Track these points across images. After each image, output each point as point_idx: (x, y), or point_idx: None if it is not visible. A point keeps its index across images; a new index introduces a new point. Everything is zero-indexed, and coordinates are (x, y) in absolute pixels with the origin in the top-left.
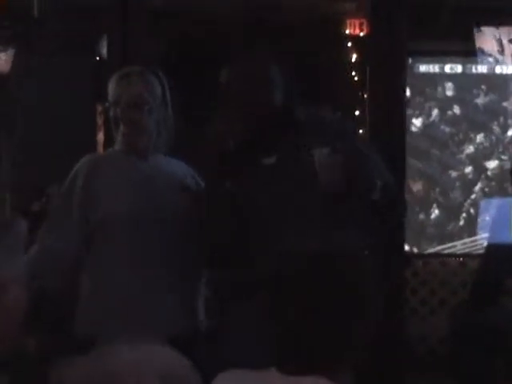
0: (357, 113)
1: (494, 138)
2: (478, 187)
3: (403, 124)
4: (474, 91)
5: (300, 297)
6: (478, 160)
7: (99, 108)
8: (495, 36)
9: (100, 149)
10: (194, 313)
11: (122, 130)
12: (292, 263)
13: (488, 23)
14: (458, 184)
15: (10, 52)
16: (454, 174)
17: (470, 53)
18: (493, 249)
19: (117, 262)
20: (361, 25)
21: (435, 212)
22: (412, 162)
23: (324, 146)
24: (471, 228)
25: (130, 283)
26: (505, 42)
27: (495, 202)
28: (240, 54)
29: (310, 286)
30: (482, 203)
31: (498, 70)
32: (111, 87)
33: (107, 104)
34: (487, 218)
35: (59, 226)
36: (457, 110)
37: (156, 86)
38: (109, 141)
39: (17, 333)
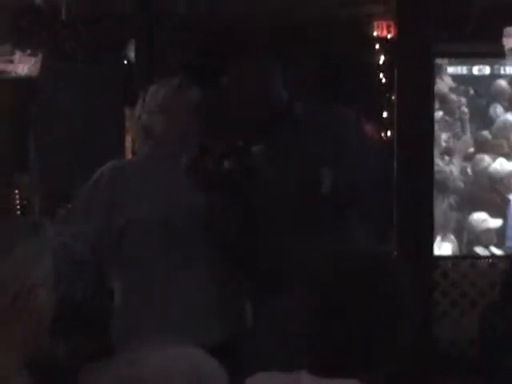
0: (384, 115)
1: None
2: None
3: (431, 125)
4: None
5: (335, 298)
6: None
7: (127, 112)
8: None
9: (128, 153)
10: (234, 315)
11: (158, 135)
12: (328, 265)
13: None
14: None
15: (40, 56)
16: None
17: (499, 54)
18: None
19: (150, 265)
20: (388, 27)
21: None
22: None
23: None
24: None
25: (165, 287)
26: None
27: None
28: (241, 56)
29: (346, 288)
30: None
31: None
32: (154, 94)
33: (141, 109)
34: None
35: (78, 229)
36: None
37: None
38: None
39: (44, 336)
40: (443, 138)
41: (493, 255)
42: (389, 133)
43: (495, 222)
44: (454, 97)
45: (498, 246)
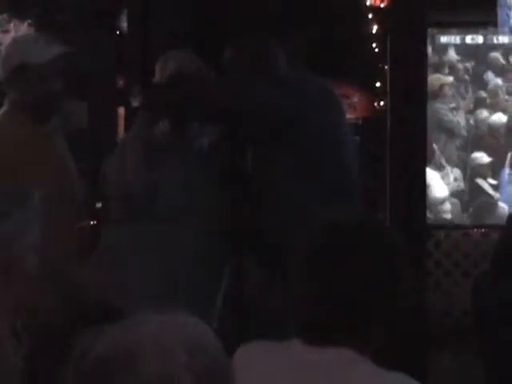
0: (377, 84)
1: None
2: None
3: (424, 95)
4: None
5: (327, 269)
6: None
7: (120, 82)
8: None
9: (121, 121)
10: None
11: None
12: (322, 237)
13: None
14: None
15: (29, 26)
16: None
17: (492, 23)
18: None
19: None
20: None
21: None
22: None
23: None
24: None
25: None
26: None
27: None
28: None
29: (339, 259)
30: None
31: None
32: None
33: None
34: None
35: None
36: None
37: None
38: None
39: (34, 302)
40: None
41: (485, 225)
42: (382, 102)
43: (490, 160)
44: (460, 65)
45: (493, 178)
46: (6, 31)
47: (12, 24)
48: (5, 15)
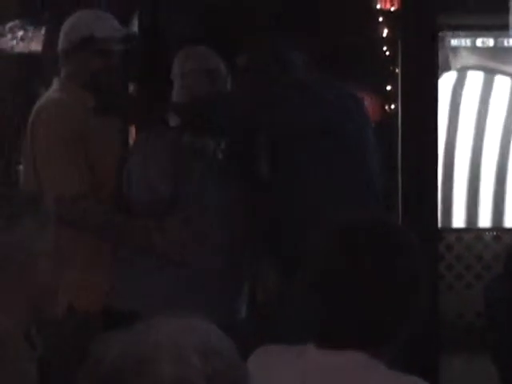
0: (388, 87)
1: None
2: None
3: (435, 97)
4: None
5: (340, 274)
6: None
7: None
8: None
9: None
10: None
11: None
12: (334, 239)
13: None
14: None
15: (43, 31)
16: None
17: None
18: None
19: None
20: (391, 0)
21: None
22: None
23: None
24: None
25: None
26: None
27: None
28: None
29: (353, 263)
30: None
31: None
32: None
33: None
34: None
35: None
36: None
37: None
38: None
39: (48, 303)
40: None
41: (497, 228)
42: (392, 106)
43: None
44: None
45: None
46: (22, 39)
47: (23, 32)
48: (17, 21)
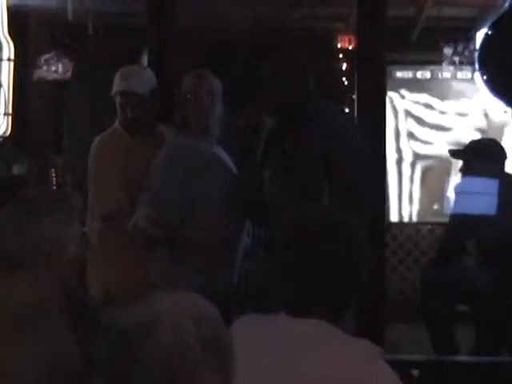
0: (347, 110)
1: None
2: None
3: (384, 117)
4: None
5: (297, 254)
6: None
7: None
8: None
9: None
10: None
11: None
12: (303, 227)
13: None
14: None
15: (70, 63)
16: None
17: (437, 62)
18: (455, 218)
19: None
20: (349, 40)
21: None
22: None
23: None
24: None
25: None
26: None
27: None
28: (276, 57)
29: (306, 247)
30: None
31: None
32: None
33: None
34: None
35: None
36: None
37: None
38: None
39: (75, 285)
40: None
41: (432, 223)
42: None
43: None
44: None
45: None
46: (57, 70)
47: (59, 63)
48: (52, 54)
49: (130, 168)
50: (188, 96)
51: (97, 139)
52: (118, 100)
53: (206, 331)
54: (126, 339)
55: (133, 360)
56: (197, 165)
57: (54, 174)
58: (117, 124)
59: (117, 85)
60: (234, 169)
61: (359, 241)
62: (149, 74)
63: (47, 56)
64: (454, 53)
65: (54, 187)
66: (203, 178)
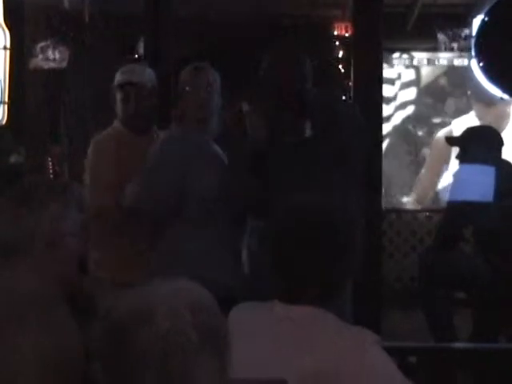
0: (343, 98)
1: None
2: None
3: (380, 103)
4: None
5: (288, 246)
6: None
7: None
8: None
9: None
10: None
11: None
12: (292, 216)
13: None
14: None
15: (67, 51)
16: None
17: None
18: (452, 205)
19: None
20: (346, 27)
21: None
22: None
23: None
24: None
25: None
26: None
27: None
28: (275, 49)
29: (297, 239)
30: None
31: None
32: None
33: (186, 88)
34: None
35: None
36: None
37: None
38: None
39: (73, 276)
40: None
41: (429, 209)
42: None
43: None
44: None
45: None
46: (54, 58)
47: (55, 51)
48: (48, 42)
49: (131, 167)
50: (186, 88)
51: (94, 141)
52: (119, 95)
53: (202, 319)
54: (123, 327)
55: (129, 347)
56: (192, 155)
57: (50, 163)
58: (116, 123)
59: (118, 78)
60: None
61: (346, 228)
62: (149, 71)
63: (43, 44)
64: (451, 39)
65: (51, 176)
66: (198, 169)
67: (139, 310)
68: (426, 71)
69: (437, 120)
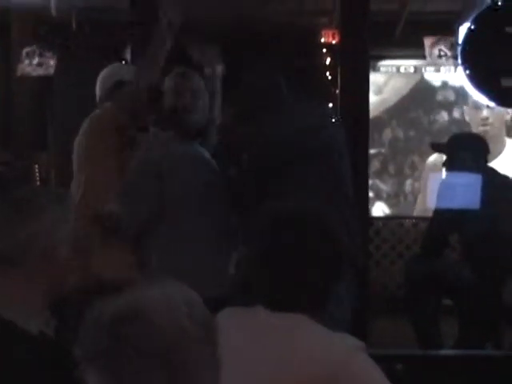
0: (330, 104)
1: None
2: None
3: (367, 111)
4: None
5: (272, 253)
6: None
7: None
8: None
9: None
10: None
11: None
12: (276, 219)
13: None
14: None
15: (54, 58)
16: None
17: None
18: (439, 212)
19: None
20: (333, 35)
21: None
22: None
23: None
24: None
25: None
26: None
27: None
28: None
29: (286, 236)
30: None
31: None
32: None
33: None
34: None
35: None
36: None
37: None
38: None
39: (65, 284)
40: None
41: (416, 217)
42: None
43: None
44: None
45: None
46: (40, 64)
47: (42, 57)
48: (34, 47)
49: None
50: (170, 94)
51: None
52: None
53: (197, 311)
54: (118, 324)
55: (124, 342)
56: (177, 162)
57: (37, 171)
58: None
59: (117, 75)
60: (216, 168)
61: (331, 232)
62: None
63: (29, 50)
64: (438, 47)
65: (38, 183)
66: (183, 176)
67: (131, 307)
68: (413, 78)
69: (426, 126)
